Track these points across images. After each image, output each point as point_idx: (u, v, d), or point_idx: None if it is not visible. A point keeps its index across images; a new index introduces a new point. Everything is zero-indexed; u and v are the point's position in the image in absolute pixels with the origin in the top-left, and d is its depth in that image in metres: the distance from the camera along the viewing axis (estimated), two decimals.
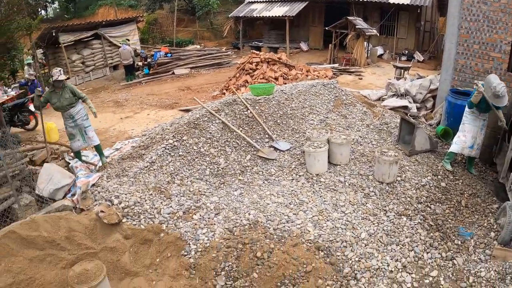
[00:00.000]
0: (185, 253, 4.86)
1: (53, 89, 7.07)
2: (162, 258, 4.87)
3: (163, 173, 6.25)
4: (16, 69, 18.55)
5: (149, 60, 18.52)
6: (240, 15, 23.68)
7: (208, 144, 6.95)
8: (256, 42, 24.40)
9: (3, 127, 9.57)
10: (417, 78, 12.32)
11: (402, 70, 14.05)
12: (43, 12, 34.52)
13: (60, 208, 5.63)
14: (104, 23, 19.76)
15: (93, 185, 6.53)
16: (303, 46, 23.43)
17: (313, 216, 5.49)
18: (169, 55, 19.08)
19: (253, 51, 14.51)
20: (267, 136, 7.62)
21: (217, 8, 28.13)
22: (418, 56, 19.86)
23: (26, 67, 15.34)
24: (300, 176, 6.54)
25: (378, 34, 19.18)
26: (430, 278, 4.79)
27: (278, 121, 8.01)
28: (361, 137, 8.03)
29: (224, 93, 13.39)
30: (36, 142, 10.32)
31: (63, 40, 17.87)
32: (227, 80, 14.28)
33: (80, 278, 4.17)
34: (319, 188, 6.24)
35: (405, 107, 10.31)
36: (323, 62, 19.17)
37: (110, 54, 19.93)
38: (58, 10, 36.88)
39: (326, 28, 18.84)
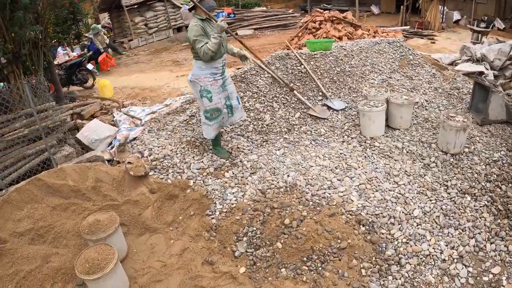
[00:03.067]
0: (209, 213, 4.42)
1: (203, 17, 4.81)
2: (185, 216, 4.47)
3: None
4: (80, 33, 18.92)
5: None
6: None
7: (254, 99, 6.38)
8: (324, 5, 23.14)
9: (57, 85, 9.69)
10: (496, 43, 10.92)
11: (480, 34, 12.55)
12: None
13: (91, 159, 5.41)
14: None
15: (135, 138, 6.30)
16: (374, 9, 21.88)
17: (360, 184, 4.77)
18: (232, 15, 18.51)
19: (318, 9, 13.56)
20: (320, 93, 6.91)
21: None
22: (499, 23, 17.79)
23: (92, 37, 15.46)
24: (352, 138, 5.80)
25: None
26: (490, 276, 3.89)
27: (334, 78, 7.24)
28: (427, 101, 7.07)
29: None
30: (92, 98, 10.36)
31: (125, 3, 17.89)
32: (288, 40, 13.52)
33: (90, 229, 3.87)
34: (372, 153, 5.48)
35: (481, 73, 9.08)
36: (395, 26, 17.72)
37: (174, 16, 19.75)
38: None
39: None
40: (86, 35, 15.69)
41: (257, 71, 6.81)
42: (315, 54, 7.52)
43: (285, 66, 7.08)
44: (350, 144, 5.68)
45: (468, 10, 18.52)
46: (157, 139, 5.68)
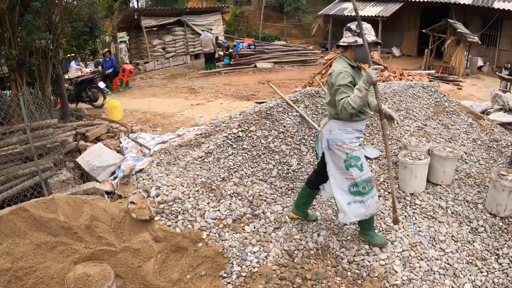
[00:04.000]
0: (224, 275, 3.64)
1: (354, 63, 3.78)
2: (194, 275, 3.69)
3: (219, 167, 5.09)
4: (96, 49, 18.60)
5: (230, 50, 17.64)
6: (330, 13, 22.23)
7: (280, 140, 5.68)
8: None
9: (64, 100, 9.13)
10: None
11: (509, 83, 11.95)
12: (134, 4, 35.50)
13: (89, 191, 4.69)
14: (188, 10, 19.32)
15: (141, 170, 5.62)
16: (395, 51, 21.47)
17: (403, 251, 4.04)
18: (252, 47, 18.12)
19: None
20: None
21: (307, 5, 26.83)
22: None
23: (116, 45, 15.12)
24: (389, 193, 5.07)
25: (480, 43, 16.82)
26: None
27: (367, 122, 6.57)
28: (466, 153, 6.37)
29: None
30: (100, 119, 9.78)
31: (144, 24, 17.62)
32: (311, 76, 12.98)
33: (77, 284, 3.13)
34: (413, 213, 4.74)
35: None
36: (417, 69, 17.20)
37: (192, 42, 19.44)
38: (149, 3, 37.76)
39: (423, 30, 16.81)
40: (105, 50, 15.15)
41: (285, 108, 6.15)
42: None
43: (315, 105, 6.42)
44: (387, 200, 4.94)
45: (491, 57, 18.06)
46: (167, 175, 4.98)
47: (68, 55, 14.54)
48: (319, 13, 23.51)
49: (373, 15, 19.93)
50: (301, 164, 5.42)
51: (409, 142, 5.55)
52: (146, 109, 11.05)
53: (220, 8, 21.28)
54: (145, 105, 11.49)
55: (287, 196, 4.88)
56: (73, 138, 7.33)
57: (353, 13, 19.61)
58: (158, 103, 11.65)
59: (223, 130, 6.07)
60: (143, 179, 5.11)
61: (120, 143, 7.26)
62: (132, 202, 4.30)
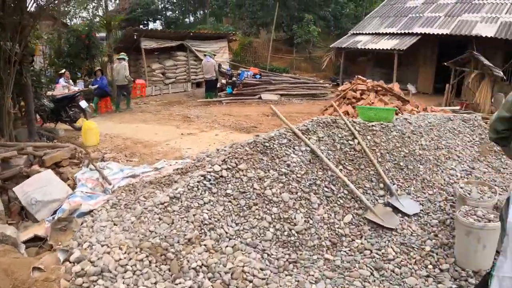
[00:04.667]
0: None
1: None
2: None
3: (187, 221, 3.41)
4: (94, 70, 17.36)
5: (234, 78, 16.13)
6: (343, 46, 20.91)
7: (281, 185, 4.00)
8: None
9: (30, 115, 7.75)
10: None
11: None
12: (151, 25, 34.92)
13: None
14: (192, 34, 18.06)
15: (90, 212, 4.07)
16: (411, 88, 19.95)
17: None
18: (258, 76, 16.69)
19: (359, 76, 11.56)
20: (381, 185, 4.54)
21: (317, 37, 25.62)
22: None
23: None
24: (442, 272, 3.34)
25: (505, 78, 15.34)
26: None
27: (401, 163, 4.92)
28: None
29: None
30: (73, 143, 8.25)
31: (144, 46, 16.36)
32: (322, 110, 11.43)
33: None
34: None
35: None
36: (434, 106, 15.66)
37: (195, 69, 18.14)
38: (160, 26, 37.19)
39: (445, 63, 15.33)
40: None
41: (290, 140, 4.52)
42: (373, 126, 5.25)
43: (332, 137, 4.78)
44: (441, 283, 3.22)
45: None
46: (110, 228, 3.33)
47: (60, 72, 13.33)
48: (331, 46, 22.23)
49: (389, 48, 18.59)
50: (310, 222, 3.70)
51: (468, 193, 3.86)
52: (130, 135, 9.55)
53: (227, 34, 20.04)
54: (130, 131, 9.99)
55: (286, 272, 3.14)
56: (25, 161, 5.90)
57: (367, 46, 18.32)
58: (145, 130, 10.14)
59: (204, 166, 4.46)
60: (87, 226, 3.52)
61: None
62: (38, 269, 2.66)
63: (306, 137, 4.56)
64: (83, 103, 10.49)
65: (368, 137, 5.04)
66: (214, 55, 16.39)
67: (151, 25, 33.14)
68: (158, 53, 17.49)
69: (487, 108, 13.86)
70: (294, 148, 4.35)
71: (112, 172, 6.34)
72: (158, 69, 17.25)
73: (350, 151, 4.71)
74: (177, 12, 38.52)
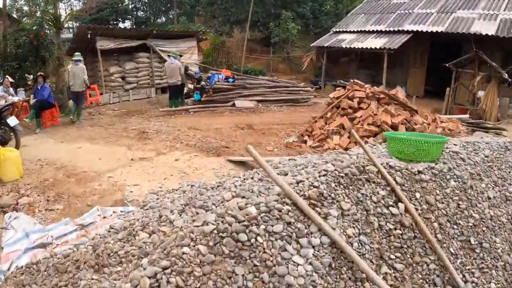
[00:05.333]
0: None
1: None
2: None
3: None
4: (47, 75, 14.90)
5: (203, 83, 13.84)
6: (325, 46, 19.01)
7: None
8: (341, 81, 19.36)
9: None
10: None
11: None
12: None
13: None
14: (155, 32, 15.77)
15: None
16: (400, 91, 18.20)
17: None
18: (231, 80, 14.51)
19: (356, 81, 9.57)
20: (448, 283, 2.49)
21: (296, 36, 23.62)
22: None
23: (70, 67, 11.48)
24: None
25: (510, 80, 13.71)
26: None
27: (472, 239, 2.90)
28: None
29: (305, 141, 8.56)
30: None
31: (100, 46, 14.03)
32: (310, 122, 9.42)
33: None
34: None
35: None
36: (428, 111, 13.87)
37: (159, 72, 15.91)
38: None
39: (447, 64, 13.53)
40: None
41: (289, 223, 2.42)
42: (419, 172, 3.21)
43: (363, 206, 2.72)
44: None
45: None
46: None
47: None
48: (312, 45, 20.31)
49: (378, 47, 16.77)
50: None
51: None
52: (67, 161, 7.38)
53: (195, 32, 17.78)
54: (69, 155, 7.81)
55: None
56: None
57: (353, 45, 16.29)
58: (88, 153, 7.95)
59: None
60: None
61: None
62: None
63: (320, 214, 2.45)
64: (12, 120, 8.17)
65: (417, 195, 3.01)
66: (180, 55, 14.13)
67: (121, 26, 30.71)
68: (118, 55, 15.20)
69: (494, 115, 12.15)
70: (298, 242, 2.25)
71: (14, 238, 4.20)
72: (117, 73, 14.96)
73: (395, 228, 2.65)
74: (148, 12, 36.15)
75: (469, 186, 3.37)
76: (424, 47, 18.23)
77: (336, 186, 2.69)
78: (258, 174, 3.87)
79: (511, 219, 3.39)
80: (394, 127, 7.40)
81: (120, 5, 29.61)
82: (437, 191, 3.15)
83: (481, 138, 7.04)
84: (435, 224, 2.88)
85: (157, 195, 5.15)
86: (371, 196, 2.77)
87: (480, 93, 12.83)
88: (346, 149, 6.78)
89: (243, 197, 2.77)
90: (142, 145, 8.37)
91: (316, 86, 19.06)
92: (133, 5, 34.60)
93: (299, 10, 25.17)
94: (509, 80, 13.16)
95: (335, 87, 17.13)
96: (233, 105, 13.83)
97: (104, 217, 4.72)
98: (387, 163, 3.20)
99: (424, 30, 16.69)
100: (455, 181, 3.31)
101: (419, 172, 3.25)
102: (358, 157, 3.43)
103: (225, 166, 6.96)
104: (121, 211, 4.80)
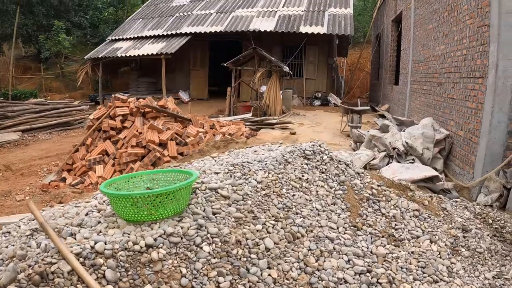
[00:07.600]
0: None
1: None
2: None
3: None
4: None
5: None
6: (99, 56, 17.05)
7: None
8: (121, 94, 17.65)
9: None
10: (398, 124, 7.64)
11: (359, 116, 9.14)
12: None
13: None
14: None
15: None
16: (183, 96, 17.63)
17: None
18: None
19: (118, 94, 8.10)
20: None
21: (70, 48, 20.83)
22: (334, 99, 16.19)
23: None
24: None
25: (291, 74, 14.34)
26: None
27: None
28: None
29: (64, 179, 6.78)
30: None
31: None
32: (70, 152, 7.63)
33: None
34: None
35: (430, 179, 5.20)
36: (218, 115, 13.48)
37: None
38: None
39: (225, 64, 13.14)
40: None
41: None
42: (140, 243, 1.93)
43: None
44: None
45: (297, 89, 16.20)
46: None
47: None
48: (85, 57, 18.08)
49: (155, 53, 15.69)
50: None
51: None
52: None
53: None
54: None
55: None
56: None
57: (129, 53, 14.49)
58: None
59: None
60: None
61: None
62: None
63: None
64: None
65: None
66: None
67: None
68: None
69: (279, 109, 12.16)
70: None
71: None
72: None
73: None
74: None
75: (233, 241, 2.25)
76: (204, 49, 18.02)
77: None
78: None
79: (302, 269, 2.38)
80: (163, 145, 6.20)
81: None
82: (183, 269, 1.93)
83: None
84: None
85: None
86: None
87: (263, 88, 12.82)
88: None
89: None
90: None
91: (93, 102, 17.06)
92: None
93: (75, 20, 22.33)
94: (290, 72, 13.59)
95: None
96: None
97: None
98: (92, 245, 1.85)
99: (203, 31, 16.37)
100: (209, 244, 2.14)
101: (148, 246, 1.99)
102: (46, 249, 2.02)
103: None
104: None
